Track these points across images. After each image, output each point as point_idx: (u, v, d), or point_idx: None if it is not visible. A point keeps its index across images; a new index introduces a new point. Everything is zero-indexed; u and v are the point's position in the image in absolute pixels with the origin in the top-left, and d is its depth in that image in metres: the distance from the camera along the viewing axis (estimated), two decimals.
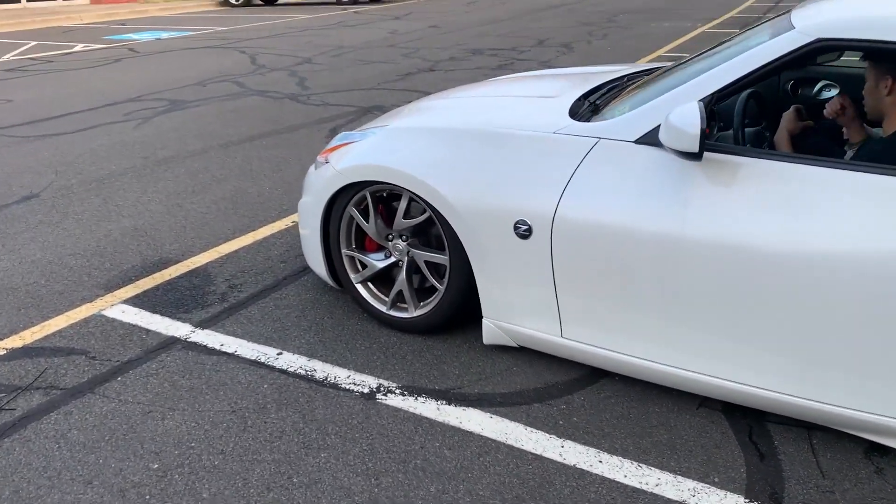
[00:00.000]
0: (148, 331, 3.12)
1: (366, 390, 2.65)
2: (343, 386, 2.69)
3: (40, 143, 6.24)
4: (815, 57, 2.16)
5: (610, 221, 2.34)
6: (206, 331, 3.11)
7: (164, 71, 9.81)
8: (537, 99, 2.96)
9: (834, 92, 3.32)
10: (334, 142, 3.24)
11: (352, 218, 3.03)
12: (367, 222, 2.97)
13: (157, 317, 3.24)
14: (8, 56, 11.71)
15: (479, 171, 2.61)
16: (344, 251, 3.07)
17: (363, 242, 3.12)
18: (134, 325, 3.17)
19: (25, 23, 16.48)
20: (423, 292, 3.01)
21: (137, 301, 3.39)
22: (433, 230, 2.93)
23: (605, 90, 3.02)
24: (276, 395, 2.65)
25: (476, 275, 2.69)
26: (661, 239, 2.26)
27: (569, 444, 2.34)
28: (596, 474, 2.21)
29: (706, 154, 2.22)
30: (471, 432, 2.41)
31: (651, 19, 13.68)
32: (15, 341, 3.07)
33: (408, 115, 3.14)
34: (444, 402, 2.57)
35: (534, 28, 13.04)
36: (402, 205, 2.85)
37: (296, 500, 2.16)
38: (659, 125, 2.31)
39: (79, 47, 12.59)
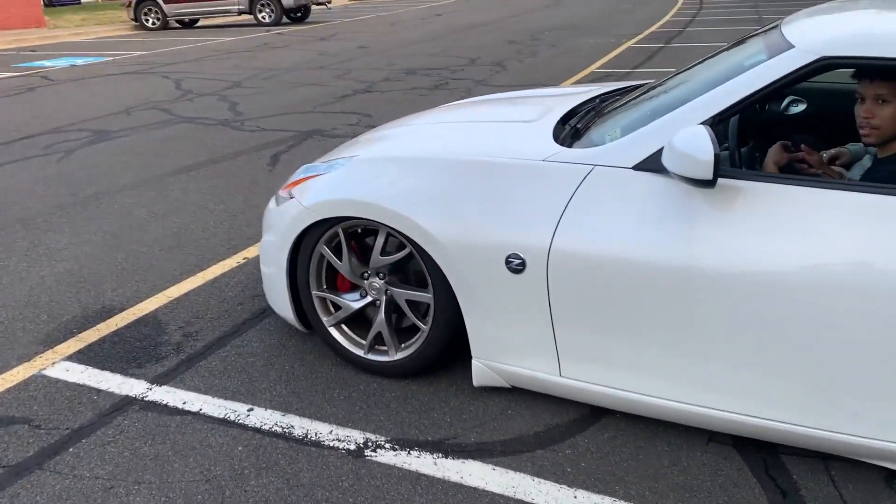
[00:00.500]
0: (98, 391, 2.82)
1: (352, 447, 2.44)
2: (326, 443, 2.46)
3: None
4: (816, 75, 2.08)
5: (610, 252, 2.21)
6: (165, 387, 2.83)
7: (84, 99, 9.32)
8: (514, 124, 2.82)
9: (801, 107, 3.29)
10: (297, 175, 3.02)
11: (322, 256, 2.82)
12: (340, 261, 2.76)
13: (108, 374, 2.94)
14: None
15: (464, 202, 2.44)
16: (315, 292, 2.85)
17: (335, 282, 2.90)
18: (82, 386, 2.86)
19: None
20: (401, 333, 2.82)
21: (82, 357, 3.08)
22: (412, 266, 2.75)
23: (582, 113, 2.90)
24: (253, 459, 2.40)
25: (464, 313, 2.52)
26: (668, 269, 2.13)
27: (581, 493, 2.18)
28: None
29: None
30: (475, 488, 2.23)
31: (575, 36, 13.85)
32: None
33: (374, 144, 2.95)
34: (441, 454, 2.38)
35: (462, 47, 13.01)
36: (380, 241, 2.66)
37: None
38: (658, 150, 2.19)
39: None
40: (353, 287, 2.87)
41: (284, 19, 20.33)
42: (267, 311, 3.40)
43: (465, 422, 2.54)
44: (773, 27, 2.57)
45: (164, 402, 2.73)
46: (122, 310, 3.49)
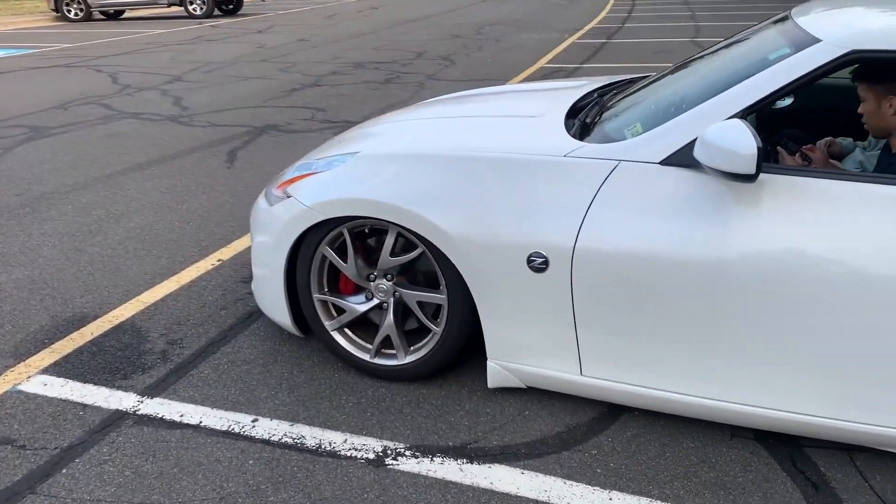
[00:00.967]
0: (84, 405, 2.64)
1: (371, 455, 2.34)
2: (342, 453, 2.35)
3: None
4: (844, 69, 2.08)
5: (638, 249, 2.17)
6: (157, 399, 2.66)
7: (13, 94, 8.83)
8: (521, 119, 2.75)
9: (788, 101, 3.33)
10: (292, 172, 2.88)
11: (324, 258, 2.70)
12: (345, 262, 2.65)
13: (91, 387, 2.75)
14: None
15: (482, 200, 2.36)
16: (316, 296, 2.73)
17: (336, 285, 2.79)
18: (64, 401, 2.67)
19: None
20: (408, 335, 2.72)
21: (60, 369, 2.87)
22: (421, 267, 2.66)
23: (587, 107, 2.85)
24: (267, 473, 2.28)
25: (481, 314, 2.44)
26: (699, 265, 2.11)
27: (616, 495, 2.14)
28: None
29: None
30: (507, 494, 2.16)
31: (517, 31, 13.89)
32: None
33: (373, 140, 2.84)
34: (465, 460, 2.30)
35: (405, 41, 12.89)
36: (389, 241, 2.56)
37: None
38: (687, 145, 2.16)
39: None
40: (357, 289, 2.76)
41: (216, 11, 19.78)
42: (254, 315, 3.25)
43: (484, 424, 2.46)
44: (782, 19, 2.58)
45: (160, 416, 2.57)
46: (95, 317, 3.28)
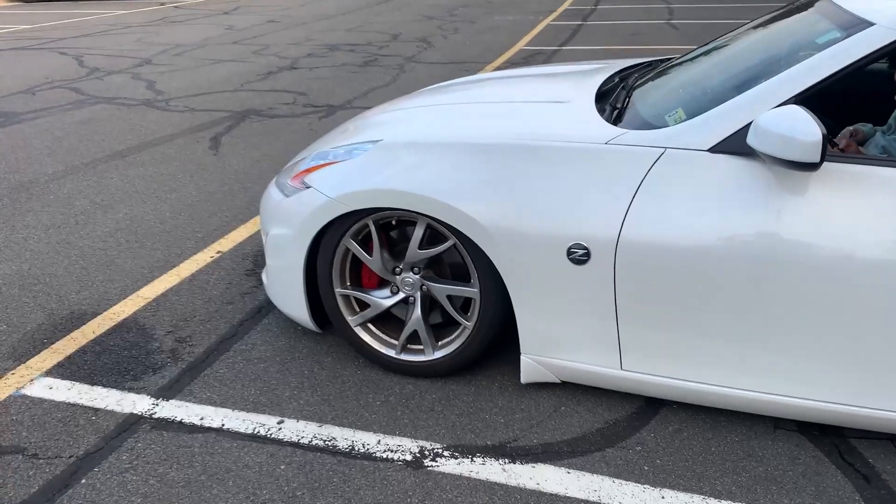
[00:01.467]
0: (95, 409, 2.50)
1: (408, 457, 2.24)
2: (378, 455, 2.26)
3: None
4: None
5: (686, 240, 2.10)
6: (174, 401, 2.53)
7: None
8: (550, 104, 2.66)
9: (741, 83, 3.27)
10: (308, 161, 2.76)
11: (347, 251, 2.59)
12: (371, 255, 2.54)
13: (100, 389, 2.61)
14: None
15: (519, 190, 2.27)
16: (338, 290, 2.62)
17: (359, 278, 2.68)
18: (73, 405, 2.53)
19: None
20: (433, 330, 2.63)
21: (64, 371, 2.72)
22: (449, 259, 2.56)
23: (614, 92, 2.77)
24: (301, 478, 2.17)
25: (516, 307, 2.36)
26: (750, 255, 2.05)
27: (668, 493, 2.08)
28: None
29: None
30: (556, 494, 2.09)
31: (490, 13, 13.74)
32: None
33: (395, 127, 2.72)
34: (507, 460, 2.22)
35: (378, 23, 12.67)
36: (418, 232, 2.46)
37: None
38: (737, 131, 2.09)
39: None
40: (381, 283, 2.65)
41: None
42: (263, 309, 3.13)
43: (520, 422, 2.39)
44: (820, 0, 2.52)
45: (178, 419, 2.44)
46: (94, 314, 3.13)
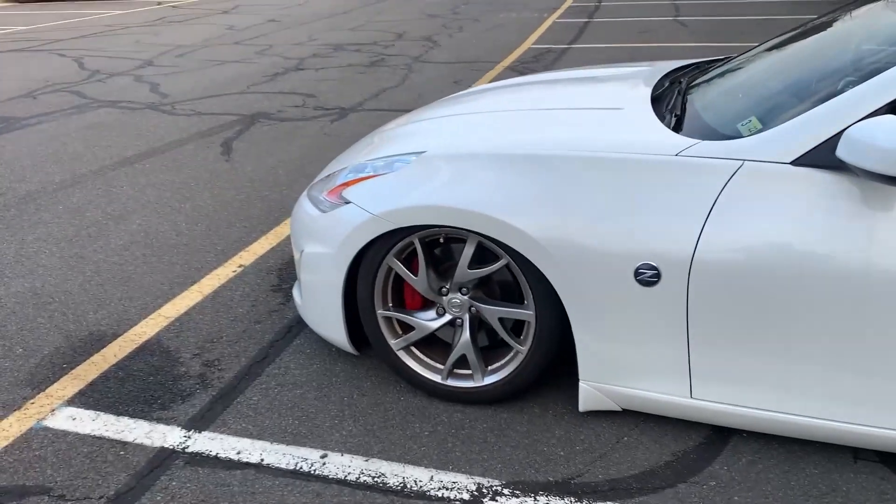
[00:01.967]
0: (124, 443, 2.33)
1: (466, 496, 2.08)
2: (433, 493, 2.10)
3: None
4: None
5: (768, 260, 1.94)
6: (207, 434, 2.37)
7: None
8: (606, 111, 2.50)
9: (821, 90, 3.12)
10: (345, 174, 2.59)
11: (390, 270, 2.42)
12: (416, 275, 2.38)
13: (127, 420, 2.44)
14: None
15: (580, 206, 2.11)
16: (380, 312, 2.45)
17: (401, 299, 2.51)
18: (99, 438, 2.36)
19: None
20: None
21: (87, 400, 2.56)
22: (499, 279, 2.40)
23: (668, 98, 2.61)
24: None
25: (575, 331, 2.20)
26: (838, 277, 1.89)
27: None
28: None
29: None
30: None
31: (494, 10, 13.58)
32: None
33: (439, 137, 2.55)
34: (573, 498, 2.06)
35: (381, 22, 12.49)
36: (468, 251, 2.29)
37: None
38: (822, 143, 1.93)
39: None
40: (426, 304, 2.49)
41: None
42: (294, 329, 2.96)
43: (582, 454, 2.23)
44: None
45: (213, 454, 2.27)
46: (115, 336, 2.96)
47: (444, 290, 2.41)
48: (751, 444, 2.25)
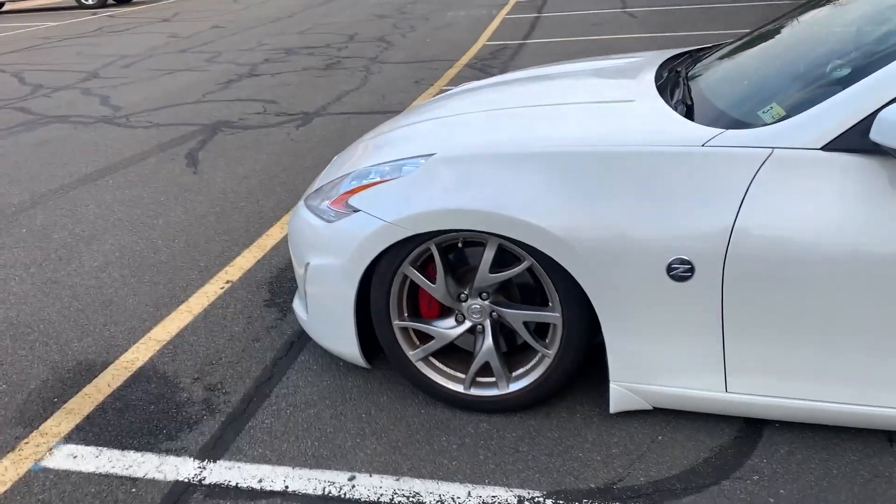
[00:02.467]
0: (133, 479, 2.19)
1: None
2: None
3: None
4: None
5: (804, 249, 1.91)
6: (222, 463, 2.24)
7: None
8: (618, 104, 2.44)
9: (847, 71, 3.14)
10: (347, 183, 2.48)
11: (405, 279, 2.33)
12: (434, 282, 2.29)
13: (133, 454, 2.30)
14: None
15: (607, 203, 2.05)
16: (396, 323, 2.36)
17: (416, 308, 2.42)
18: (106, 476, 2.21)
19: None
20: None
21: (86, 435, 2.40)
22: (519, 282, 2.33)
23: (676, 88, 2.57)
24: None
25: (605, 331, 2.14)
26: (877, 262, 1.87)
27: None
28: None
29: None
30: None
31: (441, 9, 13.52)
32: None
33: (446, 139, 2.46)
34: (618, 503, 2.00)
35: (329, 24, 12.31)
36: (488, 255, 2.21)
37: None
38: (853, 126, 1.90)
39: None
40: (443, 312, 2.40)
41: (109, 0, 18.49)
42: (295, 344, 2.84)
43: (619, 457, 2.17)
44: None
45: (233, 484, 2.15)
46: (105, 364, 2.79)
47: (462, 296, 2.32)
48: (785, 435, 2.22)
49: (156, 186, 4.73)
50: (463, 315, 2.35)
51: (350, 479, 2.14)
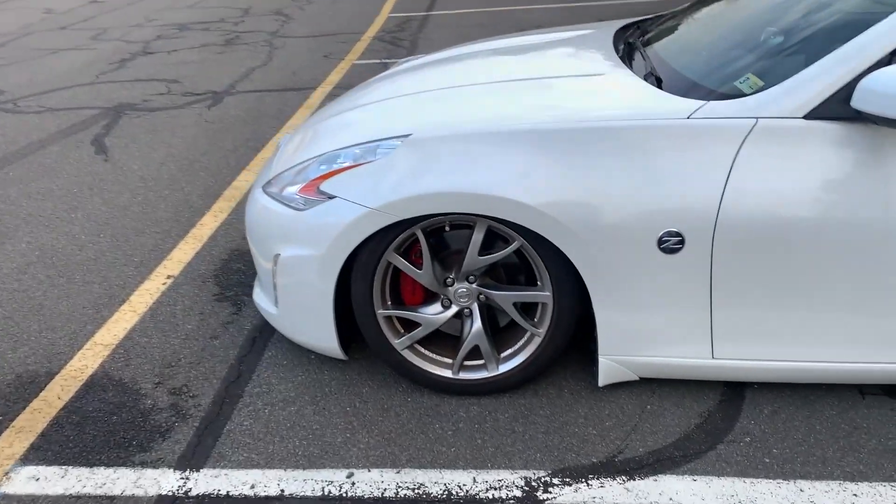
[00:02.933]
0: (111, 498, 2.04)
1: (517, 493, 1.99)
2: (482, 496, 1.98)
3: None
4: None
5: (788, 216, 1.97)
6: (207, 471, 2.11)
7: None
8: (591, 78, 2.42)
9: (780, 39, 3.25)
10: (315, 168, 2.36)
11: (388, 266, 2.25)
12: (420, 268, 2.22)
13: (104, 470, 2.14)
14: None
15: (596, 178, 2.04)
16: (380, 312, 2.28)
17: (399, 296, 2.35)
18: (78, 497, 2.05)
19: None
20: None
21: (45, 454, 2.21)
22: (503, 263, 2.29)
23: (635, 59, 2.58)
24: None
25: (596, 306, 2.14)
26: (858, 226, 1.95)
27: (804, 484, 1.97)
28: None
29: None
30: None
31: None
32: None
33: (420, 117, 2.37)
34: (624, 477, 2.02)
35: None
36: (477, 237, 2.17)
37: None
38: (833, 94, 1.95)
39: None
40: (427, 298, 2.34)
41: None
42: (258, 340, 2.71)
43: (614, 430, 2.19)
44: None
45: (224, 492, 2.03)
46: (50, 375, 2.58)
47: (448, 280, 2.27)
48: (766, 395, 2.30)
49: (65, 177, 4.40)
50: (449, 300, 2.29)
51: (349, 477, 2.07)
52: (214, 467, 2.12)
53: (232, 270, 3.20)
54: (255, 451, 2.18)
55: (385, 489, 2.01)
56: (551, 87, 2.39)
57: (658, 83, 2.32)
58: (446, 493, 1.99)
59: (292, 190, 2.36)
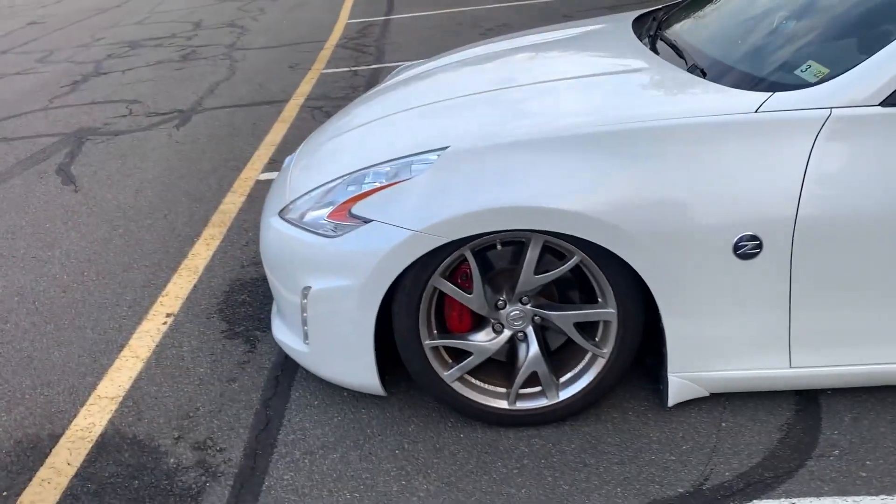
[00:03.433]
0: None
1: None
2: None
3: None
4: None
5: (872, 209, 1.84)
6: None
7: None
8: (632, 74, 2.26)
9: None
10: (343, 191, 2.15)
11: (434, 292, 2.05)
12: (469, 292, 2.03)
13: None
14: None
15: (664, 183, 1.88)
16: (427, 343, 2.08)
17: (444, 324, 2.15)
18: None
19: None
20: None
21: None
22: (556, 280, 2.10)
23: (681, 52, 2.42)
24: None
25: (666, 321, 1.98)
26: None
27: None
28: None
29: None
30: None
31: None
32: None
33: (454, 128, 2.18)
34: None
35: (167, 12, 11.37)
36: (532, 255, 1.99)
37: None
38: None
39: None
40: (475, 324, 2.14)
41: None
42: (281, 379, 2.48)
43: (693, 454, 2.02)
44: None
45: None
46: (54, 438, 2.31)
47: (499, 303, 2.08)
48: (841, 401, 2.16)
49: (34, 212, 4.08)
50: (501, 324, 2.10)
51: None
52: None
53: (237, 303, 2.96)
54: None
55: None
56: (592, 86, 2.22)
57: (703, 75, 2.17)
58: None
59: (317, 215, 2.15)
